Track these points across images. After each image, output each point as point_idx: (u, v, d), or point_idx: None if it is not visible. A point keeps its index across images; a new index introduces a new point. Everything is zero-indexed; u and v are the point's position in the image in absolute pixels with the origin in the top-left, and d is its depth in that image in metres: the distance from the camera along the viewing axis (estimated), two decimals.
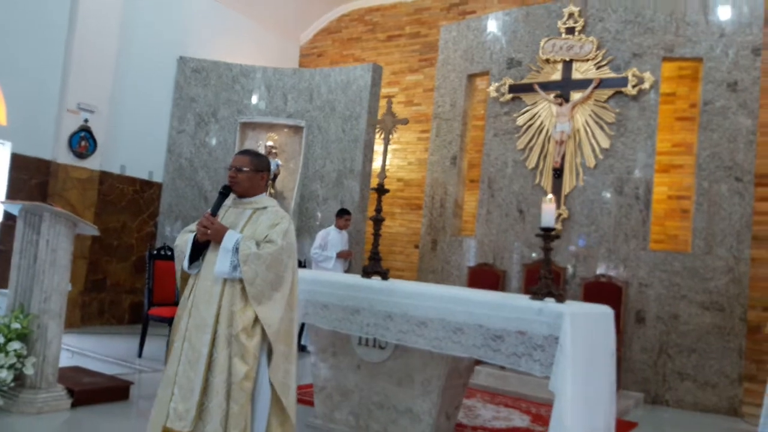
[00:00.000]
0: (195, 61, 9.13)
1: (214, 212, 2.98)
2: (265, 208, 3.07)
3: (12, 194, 7.05)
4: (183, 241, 3.02)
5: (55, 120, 7.52)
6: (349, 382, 4.25)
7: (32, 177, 7.34)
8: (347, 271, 7.85)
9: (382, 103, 9.11)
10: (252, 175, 3.05)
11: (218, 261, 2.86)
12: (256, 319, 2.84)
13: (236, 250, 2.84)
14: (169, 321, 6.11)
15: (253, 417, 2.84)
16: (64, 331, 6.93)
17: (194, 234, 2.98)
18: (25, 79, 7.18)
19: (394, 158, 10.04)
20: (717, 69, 6.60)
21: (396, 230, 9.93)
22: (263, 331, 2.85)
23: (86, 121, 7.70)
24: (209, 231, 2.91)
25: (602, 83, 6.98)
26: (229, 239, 2.87)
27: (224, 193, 3.07)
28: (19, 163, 7.20)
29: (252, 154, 3.14)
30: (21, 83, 7.14)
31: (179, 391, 2.82)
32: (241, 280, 2.84)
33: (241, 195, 3.09)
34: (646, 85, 6.79)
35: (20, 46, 7.12)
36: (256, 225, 2.99)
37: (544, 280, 3.46)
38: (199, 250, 2.98)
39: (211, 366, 2.80)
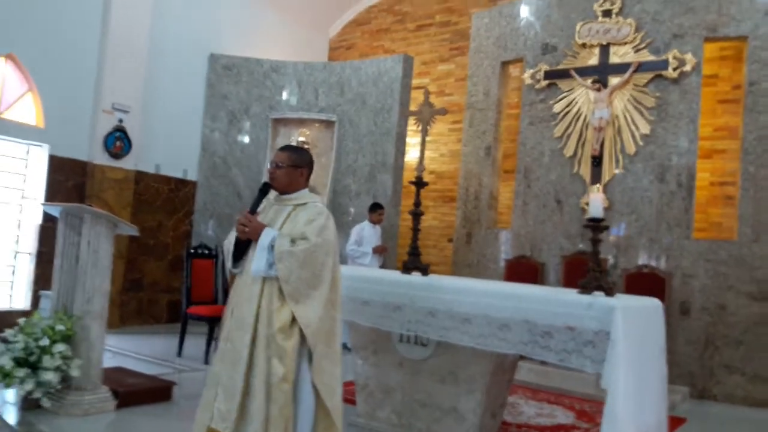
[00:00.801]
0: (226, 57, 9.14)
1: (254, 209, 2.95)
2: (305, 204, 3.01)
3: (50, 196, 7.14)
4: (229, 241, 3.01)
5: (90, 121, 7.59)
6: (391, 380, 4.19)
7: (69, 178, 7.43)
8: (382, 266, 7.79)
9: (414, 94, 9.02)
10: (290, 171, 3.00)
11: (255, 259, 2.83)
12: (294, 319, 2.78)
13: (272, 247, 2.80)
14: (207, 319, 6.14)
15: (296, 421, 2.78)
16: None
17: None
18: (59, 81, 7.26)
19: (426, 150, 9.90)
20: (763, 48, 6.34)
21: (429, 224, 9.83)
22: (302, 332, 2.79)
23: (121, 121, 7.76)
24: (247, 229, 2.87)
25: (641, 67, 6.76)
26: (266, 237, 2.83)
27: (263, 190, 3.03)
28: (56, 164, 7.29)
29: (292, 149, 3.11)
30: (56, 85, 7.22)
31: (223, 391, 2.80)
32: (278, 279, 2.79)
33: (282, 191, 3.05)
34: (687, 68, 6.56)
35: (54, 48, 7.20)
36: (294, 221, 2.94)
37: (592, 273, 3.34)
38: (242, 249, 2.95)
39: (251, 367, 2.76)
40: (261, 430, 2.69)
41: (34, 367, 3.84)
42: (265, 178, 3.07)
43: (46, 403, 3.87)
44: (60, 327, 3.95)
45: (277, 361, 2.72)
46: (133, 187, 8.04)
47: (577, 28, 7.19)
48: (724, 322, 6.25)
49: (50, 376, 3.80)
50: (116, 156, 7.74)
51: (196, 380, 5.46)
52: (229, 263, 3.00)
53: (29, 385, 3.79)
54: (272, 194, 3.10)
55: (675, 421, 5.11)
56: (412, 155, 9.56)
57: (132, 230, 4.34)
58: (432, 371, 4.00)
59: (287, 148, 3.11)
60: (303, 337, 2.79)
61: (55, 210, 4.43)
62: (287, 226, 2.93)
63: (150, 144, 8.27)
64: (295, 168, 3.02)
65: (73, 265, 4.17)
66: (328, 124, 8.95)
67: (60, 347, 3.88)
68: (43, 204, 4.67)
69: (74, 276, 4.14)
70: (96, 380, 4.08)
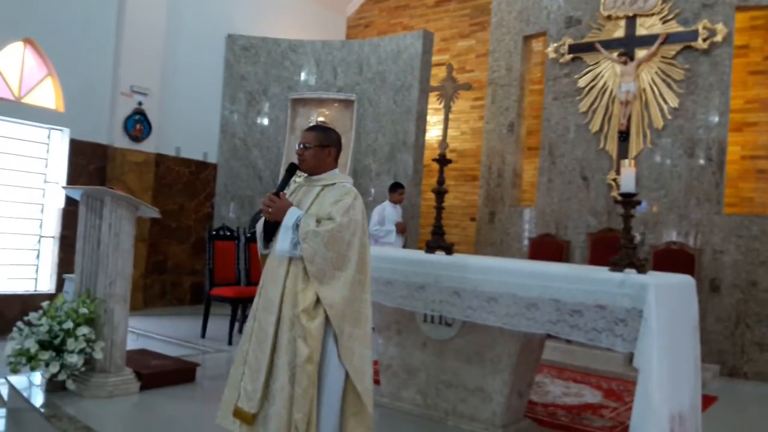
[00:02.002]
0: (243, 38, 9.06)
1: (280, 190, 2.90)
2: (333, 184, 2.94)
3: (72, 180, 7.16)
4: (260, 223, 2.99)
5: (110, 104, 7.59)
6: (415, 360, 4.13)
7: (90, 162, 7.44)
8: (404, 246, 7.72)
9: (435, 71, 8.87)
10: (317, 151, 2.93)
11: (279, 239, 2.79)
12: (318, 300, 2.73)
13: (297, 227, 2.75)
14: (230, 300, 6.14)
15: (320, 402, 2.72)
16: (129, 314, 7.11)
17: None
18: (78, 65, 7.24)
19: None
20: None
21: (451, 203, 9.70)
22: (326, 312, 2.73)
23: (140, 104, 7.74)
24: (271, 210, 2.83)
25: (669, 38, 6.55)
26: (291, 216, 2.79)
27: (290, 171, 2.99)
28: (77, 148, 7.31)
29: (319, 129, 3.03)
30: (75, 70, 7.21)
31: (249, 371, 2.79)
32: (303, 259, 2.74)
33: (310, 172, 2.99)
34: (718, 38, 6.34)
35: (72, 32, 7.17)
36: (322, 202, 2.89)
37: (624, 250, 3.23)
38: (272, 231, 2.92)
39: (276, 347, 2.74)
40: (283, 410, 2.66)
41: (59, 350, 3.84)
42: (292, 159, 3.00)
43: (71, 385, 3.87)
44: (83, 310, 3.94)
45: (301, 342, 2.68)
46: (154, 170, 8.04)
47: None
48: (756, 299, 6.09)
49: (74, 359, 3.80)
50: (136, 139, 7.73)
51: (219, 361, 5.48)
52: (259, 246, 2.99)
53: (54, 368, 3.79)
54: (303, 176, 3.05)
55: (706, 400, 5.00)
56: (432, 134, 9.43)
57: (153, 212, 4.30)
58: (457, 351, 3.93)
59: (314, 128, 3.04)
60: (328, 318, 2.74)
61: (76, 193, 4.40)
62: (314, 207, 2.88)
63: (170, 126, 8.25)
64: (322, 148, 2.95)
65: (95, 248, 4.15)
66: (348, 103, 8.85)
67: (84, 330, 3.87)
68: (65, 187, 4.65)
69: (96, 259, 4.12)
70: (120, 362, 4.08)
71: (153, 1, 7.86)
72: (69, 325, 3.86)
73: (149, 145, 7.90)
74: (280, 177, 3.03)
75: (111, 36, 7.56)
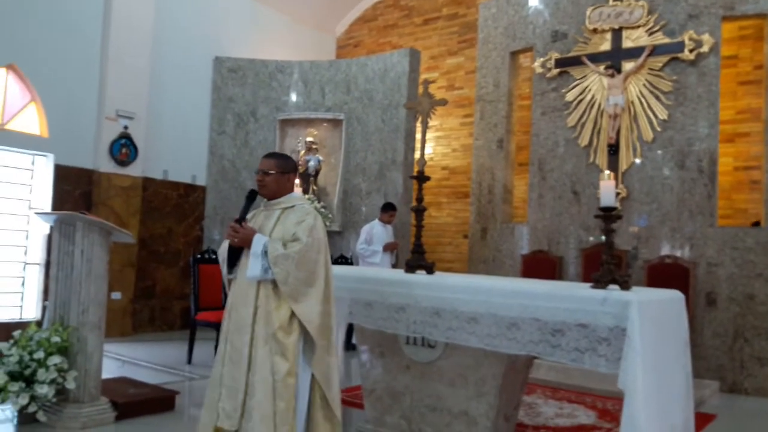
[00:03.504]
0: (231, 60, 9.03)
1: (242, 217, 3.03)
2: (292, 206, 3.11)
3: (57, 206, 7.08)
4: (223, 250, 3.11)
5: (95, 129, 7.53)
6: (398, 384, 4.00)
7: (76, 187, 7.37)
8: (395, 264, 7.61)
9: (422, 89, 8.83)
10: (278, 177, 3.10)
11: (249, 266, 2.91)
12: (292, 316, 2.89)
13: (265, 253, 2.89)
14: (216, 325, 5.99)
15: (296, 413, 2.89)
16: (116, 341, 6.99)
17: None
18: (62, 89, 7.20)
19: (437, 146, 9.73)
20: None
21: (443, 220, 9.63)
22: (301, 327, 2.90)
23: (126, 127, 7.68)
24: (236, 239, 2.97)
25: (656, 50, 6.49)
26: (257, 243, 2.92)
27: (251, 198, 3.13)
28: (62, 174, 7.23)
29: (278, 156, 3.20)
30: (59, 94, 7.17)
31: (226, 391, 2.90)
32: (274, 281, 2.89)
33: (270, 197, 3.14)
34: (704, 49, 6.28)
35: (55, 56, 7.14)
36: (284, 224, 3.04)
37: (606, 266, 3.12)
38: (236, 256, 3.06)
39: (252, 365, 2.87)
40: (261, 425, 2.78)
41: (29, 381, 3.72)
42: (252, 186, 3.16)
43: (42, 417, 3.76)
44: (56, 339, 3.84)
45: (279, 357, 2.83)
46: (141, 194, 7.96)
47: (588, 13, 6.94)
48: (754, 312, 5.96)
49: (45, 390, 3.69)
50: (122, 163, 7.66)
51: (204, 387, 5.32)
52: (224, 270, 3.11)
53: (24, 400, 3.68)
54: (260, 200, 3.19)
55: (704, 418, 4.85)
56: (420, 151, 9.37)
57: (127, 237, 4.21)
58: (441, 374, 3.80)
59: (273, 156, 3.19)
60: (301, 333, 2.91)
61: (49, 219, 4.32)
62: (278, 230, 3.03)
63: (157, 150, 8.18)
64: (282, 174, 3.11)
65: (68, 274, 4.05)
66: (336, 122, 8.80)
67: (55, 359, 3.77)
68: (37, 213, 4.54)
69: (69, 286, 4.02)
70: (94, 392, 3.96)
71: (138, 24, 7.83)
72: (40, 354, 3.76)
73: (136, 169, 7.83)
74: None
75: (95, 60, 7.52)
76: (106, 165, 7.52)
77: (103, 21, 7.57)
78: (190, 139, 8.68)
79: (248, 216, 3.13)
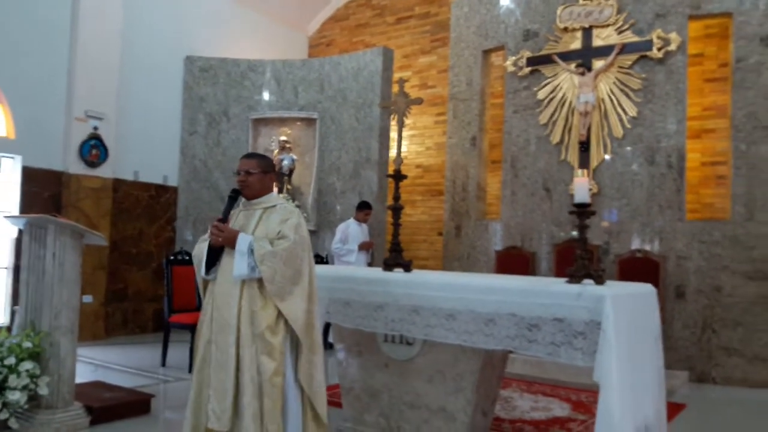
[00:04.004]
0: (202, 59, 8.94)
1: (225, 217, 3.03)
2: (274, 206, 3.11)
3: (26, 208, 6.93)
4: (199, 250, 3.09)
5: (64, 130, 7.39)
6: (377, 382, 4.01)
7: (44, 189, 7.22)
8: (370, 263, 7.62)
9: (396, 88, 8.84)
10: (261, 176, 3.11)
11: (235, 265, 2.89)
12: (279, 316, 2.89)
13: (251, 251, 2.87)
14: (190, 327, 5.95)
15: (285, 412, 2.92)
16: (89, 344, 6.88)
17: (209, 241, 3.03)
18: (30, 90, 7.05)
19: (411, 144, 9.76)
20: (748, 23, 6.19)
21: (418, 218, 9.67)
22: (287, 326, 2.91)
23: (96, 128, 7.56)
24: (220, 238, 2.95)
25: (625, 48, 6.61)
26: (243, 242, 2.90)
27: (234, 197, 3.11)
28: (30, 176, 7.09)
29: (258, 156, 3.20)
30: (26, 95, 7.02)
31: (214, 393, 2.88)
32: (259, 280, 2.88)
33: (252, 197, 3.13)
34: (672, 47, 6.41)
35: (23, 56, 6.99)
36: (267, 223, 3.04)
37: (580, 261, 3.17)
38: (215, 256, 3.03)
39: (240, 365, 2.86)
40: (251, 424, 2.79)
41: (1, 388, 3.65)
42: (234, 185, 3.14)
43: (14, 424, 3.68)
44: (27, 344, 3.76)
45: (266, 357, 2.84)
46: (112, 196, 7.83)
47: (558, 12, 7.03)
48: (721, 304, 6.11)
49: (17, 396, 3.62)
50: (92, 164, 7.54)
51: (179, 390, 5.29)
52: (201, 271, 3.06)
53: None
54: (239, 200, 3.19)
55: (674, 408, 4.96)
56: (396, 150, 9.38)
57: (100, 240, 4.15)
58: (419, 371, 3.83)
59: (254, 156, 3.19)
60: (287, 332, 2.92)
61: (19, 222, 4.23)
62: (260, 229, 3.02)
63: (127, 151, 8.06)
64: (265, 174, 3.12)
65: (39, 278, 3.98)
66: (310, 122, 8.77)
67: (27, 365, 3.69)
68: (7, 216, 4.45)
69: (41, 290, 3.95)
70: (67, 397, 3.89)
71: (107, 24, 7.70)
72: (11, 360, 3.68)
73: (106, 170, 7.71)
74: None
75: (64, 61, 7.38)
76: (75, 166, 7.39)
77: (72, 19, 7.42)
78: (161, 139, 8.57)
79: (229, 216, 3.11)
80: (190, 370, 5.79)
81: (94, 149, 7.54)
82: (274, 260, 2.86)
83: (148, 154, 8.35)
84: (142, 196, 8.33)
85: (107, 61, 7.70)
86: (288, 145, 8.61)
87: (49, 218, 3.95)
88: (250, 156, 3.18)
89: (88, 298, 7.32)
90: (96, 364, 6.08)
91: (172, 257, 6.49)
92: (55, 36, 7.32)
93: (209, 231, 3.00)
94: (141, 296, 8.27)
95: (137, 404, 4.35)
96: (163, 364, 6.13)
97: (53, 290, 3.90)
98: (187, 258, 6.57)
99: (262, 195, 3.12)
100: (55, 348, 3.87)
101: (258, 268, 2.84)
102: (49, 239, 3.93)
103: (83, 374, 4.97)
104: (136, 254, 8.25)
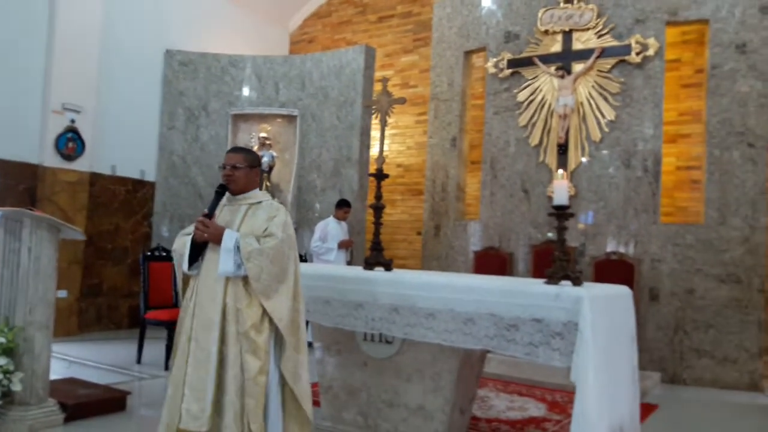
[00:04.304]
0: (182, 53, 8.86)
1: (211, 212, 2.98)
2: (259, 202, 3.08)
3: (0, 201, 6.81)
4: (181, 244, 3.02)
5: (40, 122, 7.27)
6: (355, 380, 4.03)
7: (19, 182, 7.10)
8: (350, 262, 7.62)
9: (377, 86, 8.85)
10: (247, 171, 3.06)
11: (221, 261, 2.84)
12: (264, 314, 2.86)
13: (237, 248, 2.83)
14: (166, 324, 5.90)
15: (266, 410, 2.88)
16: (62, 340, 6.78)
17: (192, 236, 2.96)
18: (5, 81, 6.93)
19: (392, 143, 9.78)
20: (724, 30, 6.31)
21: (398, 217, 9.70)
22: (272, 325, 2.88)
23: (73, 121, 7.45)
24: (206, 234, 2.90)
25: (604, 52, 6.69)
26: (229, 238, 2.86)
27: (221, 192, 3.07)
28: (4, 168, 6.96)
29: (245, 150, 3.15)
30: (2, 86, 6.89)
31: (191, 391, 2.82)
32: (244, 277, 2.85)
33: (238, 192, 3.08)
34: (650, 52, 6.51)
35: None
36: (253, 220, 3.00)
37: (559, 263, 3.22)
38: (198, 251, 2.98)
39: (223, 363, 2.83)
40: (233, 423, 2.77)
41: None
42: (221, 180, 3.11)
43: None
44: (1, 339, 3.70)
45: (250, 356, 2.80)
46: (88, 190, 7.72)
47: (539, 14, 7.10)
48: (693, 306, 6.23)
49: None
50: (69, 158, 7.43)
51: (155, 388, 5.25)
52: (184, 266, 3.00)
53: None
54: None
55: (647, 408, 5.05)
56: (377, 149, 9.39)
57: (78, 234, 4.09)
58: (398, 369, 3.85)
59: (240, 150, 3.14)
60: (272, 331, 2.89)
61: None
62: (246, 225, 2.98)
63: (105, 144, 7.96)
64: (251, 168, 3.08)
65: (14, 273, 3.91)
66: (290, 119, 8.74)
67: (0, 361, 3.63)
68: None
69: (16, 285, 3.88)
70: (42, 393, 3.84)
71: (86, 16, 7.58)
72: None
73: (83, 164, 7.59)
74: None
75: (41, 52, 7.25)
76: (51, 159, 7.28)
77: (50, 9, 7.29)
78: (139, 133, 8.47)
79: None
80: (167, 368, 5.76)
81: (70, 142, 7.43)
82: (261, 258, 2.82)
83: (125, 148, 8.25)
84: (119, 190, 8.23)
85: (85, 53, 7.59)
86: (268, 142, 8.57)
87: (24, 212, 3.89)
88: (236, 150, 3.12)
89: (62, 293, 7.22)
90: (70, 361, 6.00)
91: (149, 253, 6.42)
92: (33, 26, 7.19)
93: (194, 225, 2.94)
94: (116, 292, 8.17)
95: (113, 401, 4.30)
96: (139, 361, 6.06)
97: (28, 285, 3.83)
98: (164, 254, 6.51)
99: (247, 190, 3.08)
100: (30, 343, 3.81)
101: (244, 265, 2.81)
102: (25, 233, 3.87)
103: (57, 370, 4.90)
104: (112, 249, 8.16)
